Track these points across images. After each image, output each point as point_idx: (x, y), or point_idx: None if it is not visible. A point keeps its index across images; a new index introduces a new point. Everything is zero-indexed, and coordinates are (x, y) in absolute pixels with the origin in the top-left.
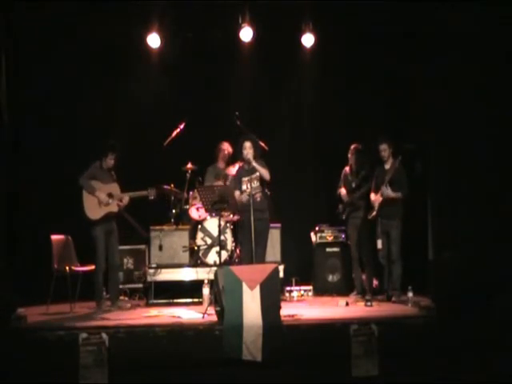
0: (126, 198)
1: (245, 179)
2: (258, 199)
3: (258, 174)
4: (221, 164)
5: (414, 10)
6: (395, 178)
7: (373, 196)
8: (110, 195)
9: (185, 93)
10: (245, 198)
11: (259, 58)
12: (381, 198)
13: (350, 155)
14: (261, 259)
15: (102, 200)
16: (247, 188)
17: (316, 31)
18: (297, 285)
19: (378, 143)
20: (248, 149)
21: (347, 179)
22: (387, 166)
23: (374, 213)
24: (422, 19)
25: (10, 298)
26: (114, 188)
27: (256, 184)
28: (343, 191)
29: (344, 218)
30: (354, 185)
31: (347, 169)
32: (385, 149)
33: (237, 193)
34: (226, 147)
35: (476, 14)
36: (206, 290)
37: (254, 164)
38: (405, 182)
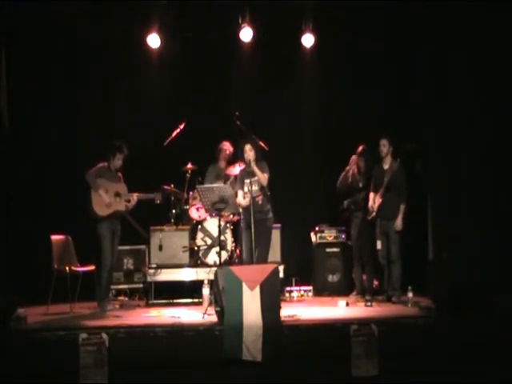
0: (134, 199)
1: (247, 181)
2: (260, 202)
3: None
4: (222, 164)
5: (414, 9)
6: (394, 180)
7: (372, 196)
8: (118, 194)
9: (185, 93)
10: (245, 202)
11: (259, 58)
12: (380, 200)
13: (357, 156)
14: (263, 260)
15: (104, 199)
16: (248, 190)
17: (316, 31)
18: (297, 285)
19: (379, 138)
20: (248, 151)
21: (355, 178)
22: (386, 166)
23: (374, 213)
24: (421, 18)
25: (10, 298)
26: (122, 188)
27: (257, 187)
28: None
29: (348, 215)
30: (360, 185)
31: (354, 168)
32: (384, 144)
33: (240, 193)
34: (227, 147)
35: (476, 14)
36: (205, 290)
37: (253, 168)
38: (404, 186)
